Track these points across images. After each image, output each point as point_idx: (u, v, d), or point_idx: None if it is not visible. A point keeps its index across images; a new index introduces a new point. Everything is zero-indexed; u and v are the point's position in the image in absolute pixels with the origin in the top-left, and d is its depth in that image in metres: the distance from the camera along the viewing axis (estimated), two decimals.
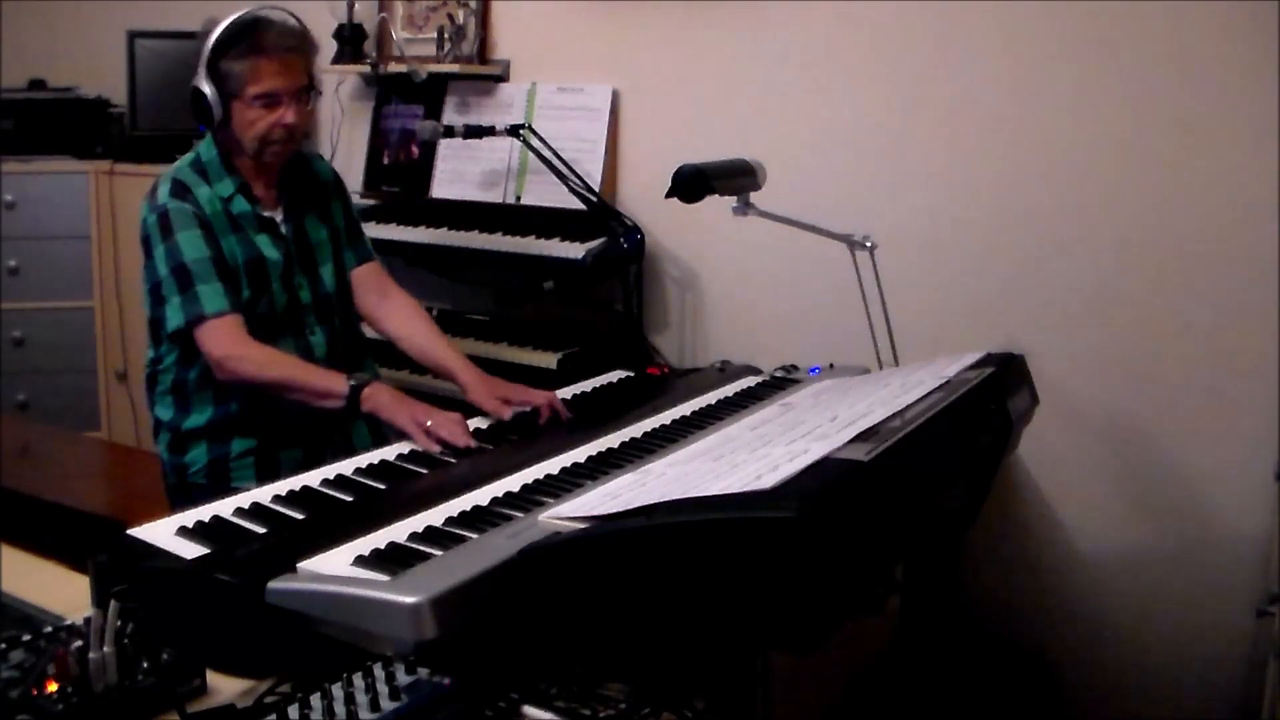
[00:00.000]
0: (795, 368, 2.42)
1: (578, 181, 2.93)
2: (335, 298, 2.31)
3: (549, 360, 2.88)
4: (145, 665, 1.26)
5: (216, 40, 2.09)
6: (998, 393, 1.87)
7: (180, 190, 2.14)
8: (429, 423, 1.90)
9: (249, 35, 2.10)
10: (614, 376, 2.45)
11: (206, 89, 2.11)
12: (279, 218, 2.25)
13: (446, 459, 1.85)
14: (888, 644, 2.29)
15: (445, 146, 3.23)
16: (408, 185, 3.30)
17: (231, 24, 2.10)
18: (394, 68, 3.28)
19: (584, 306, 3.09)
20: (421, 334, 2.33)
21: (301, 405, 2.07)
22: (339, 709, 1.14)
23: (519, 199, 3.11)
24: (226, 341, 2.09)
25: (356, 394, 2.01)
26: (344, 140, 3.50)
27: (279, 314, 2.20)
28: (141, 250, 2.17)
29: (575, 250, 2.87)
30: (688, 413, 2.06)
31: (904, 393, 1.76)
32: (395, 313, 2.37)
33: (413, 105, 3.34)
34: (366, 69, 3.33)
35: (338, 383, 2.04)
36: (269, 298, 2.18)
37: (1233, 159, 2.34)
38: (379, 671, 1.20)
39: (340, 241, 2.35)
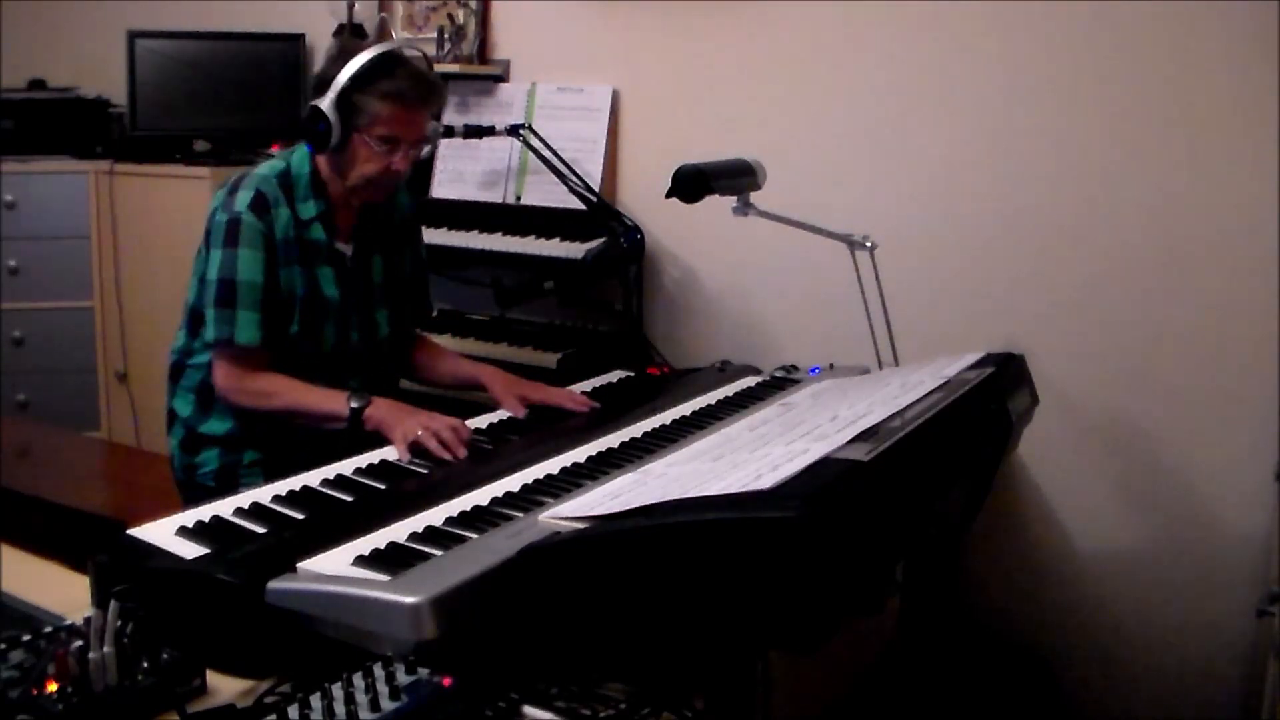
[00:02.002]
0: (795, 368, 2.42)
1: (577, 181, 2.93)
2: (385, 345, 2.28)
3: (549, 360, 2.88)
4: (145, 665, 1.25)
5: (357, 71, 2.02)
6: (998, 393, 1.87)
7: (260, 205, 2.07)
8: (419, 432, 1.89)
9: (394, 76, 2.05)
10: (614, 376, 2.46)
11: (331, 116, 2.03)
12: (349, 253, 2.19)
13: (444, 459, 1.85)
14: (888, 644, 2.29)
15: (445, 146, 3.22)
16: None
17: (376, 58, 2.04)
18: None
19: (584, 306, 3.08)
20: (440, 357, 2.42)
21: (308, 428, 2.07)
22: (339, 709, 1.13)
23: (519, 199, 3.11)
24: (237, 373, 2.08)
25: (358, 415, 2.00)
26: None
27: (325, 354, 2.16)
28: (203, 239, 2.14)
29: (575, 250, 2.87)
30: (688, 413, 2.06)
31: (904, 393, 1.76)
32: (422, 353, 2.43)
33: None
34: None
35: (339, 405, 2.02)
36: (318, 336, 2.15)
37: (1233, 159, 2.34)
38: (379, 671, 1.20)
39: (401, 289, 2.31)
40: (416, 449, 1.88)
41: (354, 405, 2.00)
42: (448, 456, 1.86)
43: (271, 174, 2.12)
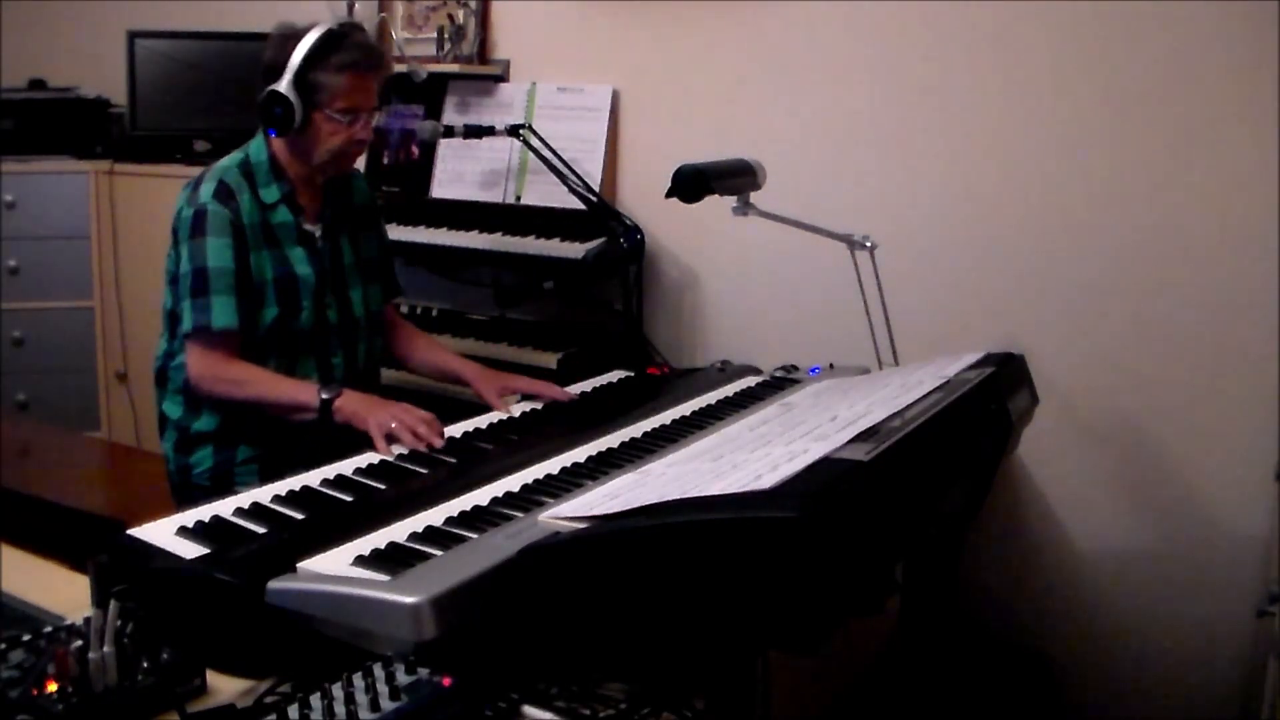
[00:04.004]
0: (795, 368, 2.42)
1: (577, 181, 2.93)
2: (362, 323, 2.30)
3: (549, 360, 2.88)
4: (145, 665, 1.25)
5: (309, 50, 2.08)
6: (998, 393, 1.87)
7: (224, 194, 2.11)
8: (393, 425, 1.89)
9: (344, 50, 2.10)
10: (614, 376, 2.46)
11: (291, 97, 2.08)
12: (318, 233, 2.23)
13: (443, 458, 1.85)
14: (888, 644, 2.29)
15: (445, 146, 3.22)
16: (408, 185, 3.30)
17: (325, 36, 2.09)
18: (394, 67, 3.28)
19: (584, 306, 3.09)
20: (425, 349, 2.47)
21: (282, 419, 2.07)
22: (339, 709, 1.13)
23: (519, 199, 3.10)
24: (210, 360, 2.09)
25: (328, 406, 2.00)
26: None
27: (306, 332, 2.19)
28: (171, 239, 2.17)
29: (575, 250, 2.87)
30: (688, 413, 2.06)
31: (904, 393, 1.76)
32: (403, 339, 2.48)
33: (413, 105, 3.33)
34: None
35: (309, 395, 2.03)
36: (296, 316, 2.17)
37: (1232, 159, 2.34)
38: (379, 671, 1.20)
39: (370, 270, 2.35)
40: (392, 441, 1.88)
41: (324, 396, 2.01)
42: (423, 448, 1.86)
43: (232, 164, 2.17)
